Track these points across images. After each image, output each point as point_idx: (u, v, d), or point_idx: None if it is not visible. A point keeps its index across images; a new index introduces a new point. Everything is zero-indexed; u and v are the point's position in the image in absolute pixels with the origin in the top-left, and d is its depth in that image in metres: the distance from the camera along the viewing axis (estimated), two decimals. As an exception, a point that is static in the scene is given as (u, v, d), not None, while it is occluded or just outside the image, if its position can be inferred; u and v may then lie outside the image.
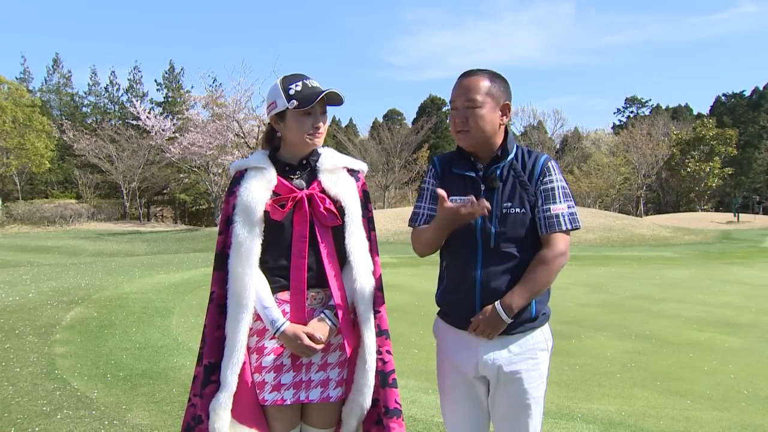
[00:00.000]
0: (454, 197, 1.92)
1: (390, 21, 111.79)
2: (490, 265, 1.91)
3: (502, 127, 1.99)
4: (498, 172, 1.95)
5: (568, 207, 1.93)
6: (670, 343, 5.94)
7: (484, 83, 1.92)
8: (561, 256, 1.90)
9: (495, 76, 1.95)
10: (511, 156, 1.98)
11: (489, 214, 1.90)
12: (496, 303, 1.87)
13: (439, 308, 2.13)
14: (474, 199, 1.80)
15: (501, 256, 1.91)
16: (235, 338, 1.90)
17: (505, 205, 1.92)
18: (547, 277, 1.89)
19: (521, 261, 1.91)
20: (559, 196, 1.93)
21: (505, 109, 1.96)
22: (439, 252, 2.09)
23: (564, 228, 1.91)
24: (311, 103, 1.91)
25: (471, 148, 1.98)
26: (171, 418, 3.55)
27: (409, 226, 2.13)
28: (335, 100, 1.98)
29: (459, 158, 2.02)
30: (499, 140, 1.99)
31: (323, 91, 1.93)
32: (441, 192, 1.84)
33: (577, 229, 1.94)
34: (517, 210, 1.92)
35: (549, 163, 1.96)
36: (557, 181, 1.95)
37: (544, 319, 2.00)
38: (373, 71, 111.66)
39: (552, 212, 1.91)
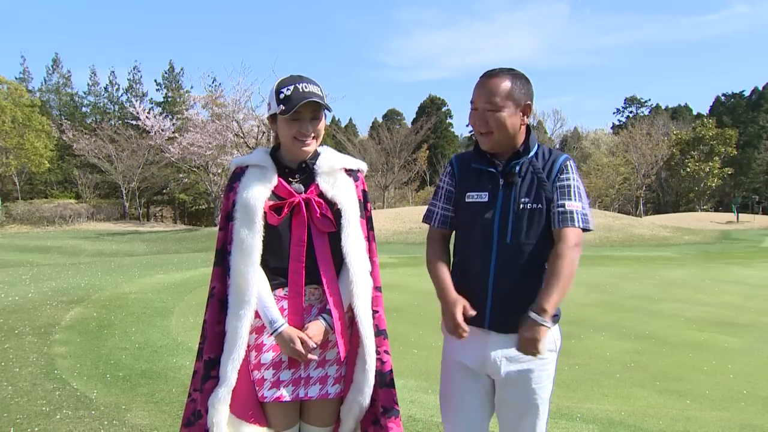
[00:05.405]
0: (471, 192, 1.99)
1: (385, 21, 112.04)
2: (505, 259, 1.91)
3: (523, 127, 1.98)
4: (517, 168, 1.96)
5: (582, 207, 1.93)
6: (670, 343, 5.94)
7: (505, 85, 1.89)
8: (575, 247, 1.88)
9: (516, 77, 1.93)
10: (532, 154, 1.98)
11: (506, 209, 1.92)
12: (529, 312, 1.80)
13: None
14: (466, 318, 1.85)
15: (516, 251, 1.91)
16: (236, 334, 1.90)
17: (522, 200, 1.93)
18: (568, 268, 1.85)
19: (535, 257, 1.91)
20: (574, 195, 1.92)
21: (527, 110, 1.94)
22: (453, 246, 2.10)
23: (576, 225, 1.90)
24: (292, 110, 1.87)
25: (493, 150, 1.99)
26: (170, 417, 3.55)
27: (423, 222, 2.15)
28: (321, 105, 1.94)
29: (478, 155, 2.03)
30: (520, 139, 1.99)
31: (304, 100, 1.87)
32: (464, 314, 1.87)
33: (587, 230, 1.93)
34: (534, 205, 1.92)
35: (568, 162, 1.96)
36: (574, 180, 1.94)
37: (555, 319, 1.98)
38: (369, 71, 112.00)
39: (566, 208, 1.91)
